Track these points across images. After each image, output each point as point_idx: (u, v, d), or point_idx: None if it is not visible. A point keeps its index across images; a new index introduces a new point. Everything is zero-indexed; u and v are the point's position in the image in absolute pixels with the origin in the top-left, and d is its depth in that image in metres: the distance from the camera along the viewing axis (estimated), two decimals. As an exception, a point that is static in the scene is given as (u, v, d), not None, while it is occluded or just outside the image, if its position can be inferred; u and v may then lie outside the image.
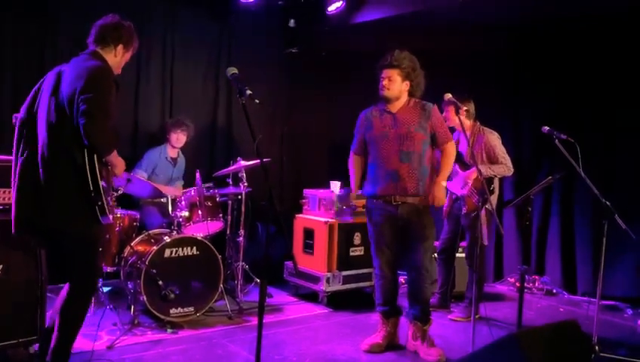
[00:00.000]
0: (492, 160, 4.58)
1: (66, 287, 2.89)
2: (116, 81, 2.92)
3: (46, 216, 2.77)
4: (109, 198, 2.86)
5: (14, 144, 2.89)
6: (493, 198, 4.66)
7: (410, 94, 3.82)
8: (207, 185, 4.73)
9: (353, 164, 4.06)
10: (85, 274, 2.90)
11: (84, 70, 2.76)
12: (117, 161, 2.94)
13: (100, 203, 2.75)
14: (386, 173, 3.76)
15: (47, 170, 2.75)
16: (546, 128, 3.86)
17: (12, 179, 2.87)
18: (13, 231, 2.84)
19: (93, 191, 2.73)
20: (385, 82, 3.76)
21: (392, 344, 3.90)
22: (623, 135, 5.31)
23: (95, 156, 2.77)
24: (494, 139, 4.64)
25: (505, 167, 4.57)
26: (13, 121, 3.00)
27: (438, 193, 3.73)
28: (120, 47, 3.01)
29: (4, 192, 3.18)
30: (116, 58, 3.01)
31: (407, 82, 3.77)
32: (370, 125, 3.87)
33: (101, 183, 2.78)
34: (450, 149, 3.84)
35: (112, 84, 2.84)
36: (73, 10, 4.85)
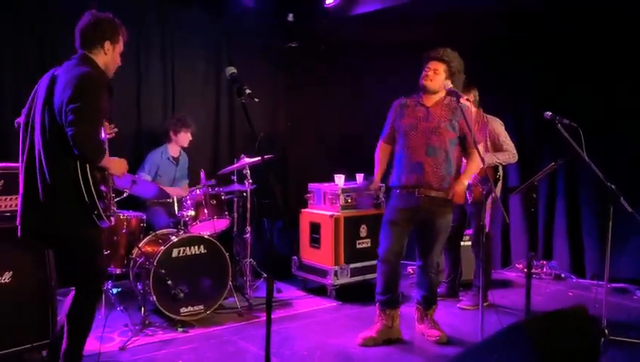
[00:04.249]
0: (497, 147, 4.58)
1: (72, 292, 2.91)
2: (109, 86, 2.90)
3: (45, 223, 2.79)
4: (108, 201, 2.86)
5: (19, 150, 2.90)
6: (499, 186, 4.66)
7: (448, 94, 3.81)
8: (209, 182, 4.73)
9: (380, 152, 4.04)
10: (89, 277, 2.91)
11: (72, 79, 2.73)
12: (111, 164, 2.90)
13: (95, 212, 2.75)
14: (411, 165, 3.76)
15: (44, 177, 2.75)
16: (549, 114, 3.85)
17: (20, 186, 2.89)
18: (19, 234, 2.86)
19: (87, 200, 2.73)
20: (430, 73, 3.76)
21: (390, 338, 3.83)
22: (623, 117, 5.26)
23: (87, 164, 2.75)
24: (498, 126, 4.64)
25: (510, 153, 4.57)
26: (15, 125, 3.01)
27: (458, 188, 3.71)
28: (107, 44, 2.92)
29: (10, 199, 3.21)
30: (107, 56, 2.94)
31: (449, 81, 3.74)
32: (402, 114, 3.86)
33: (100, 188, 2.79)
34: (476, 155, 3.63)
35: (101, 89, 2.79)
36: (72, 5, 4.56)
